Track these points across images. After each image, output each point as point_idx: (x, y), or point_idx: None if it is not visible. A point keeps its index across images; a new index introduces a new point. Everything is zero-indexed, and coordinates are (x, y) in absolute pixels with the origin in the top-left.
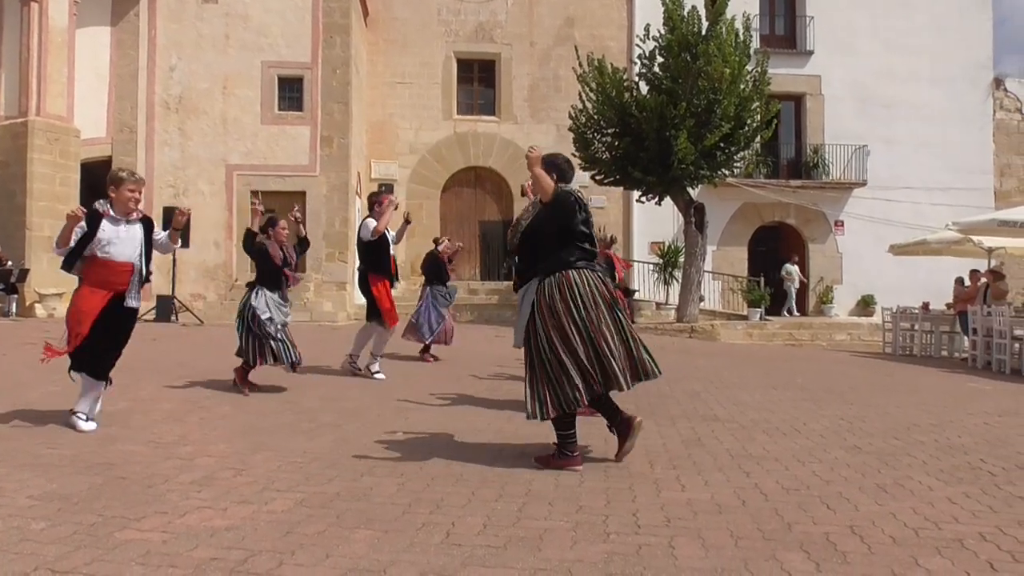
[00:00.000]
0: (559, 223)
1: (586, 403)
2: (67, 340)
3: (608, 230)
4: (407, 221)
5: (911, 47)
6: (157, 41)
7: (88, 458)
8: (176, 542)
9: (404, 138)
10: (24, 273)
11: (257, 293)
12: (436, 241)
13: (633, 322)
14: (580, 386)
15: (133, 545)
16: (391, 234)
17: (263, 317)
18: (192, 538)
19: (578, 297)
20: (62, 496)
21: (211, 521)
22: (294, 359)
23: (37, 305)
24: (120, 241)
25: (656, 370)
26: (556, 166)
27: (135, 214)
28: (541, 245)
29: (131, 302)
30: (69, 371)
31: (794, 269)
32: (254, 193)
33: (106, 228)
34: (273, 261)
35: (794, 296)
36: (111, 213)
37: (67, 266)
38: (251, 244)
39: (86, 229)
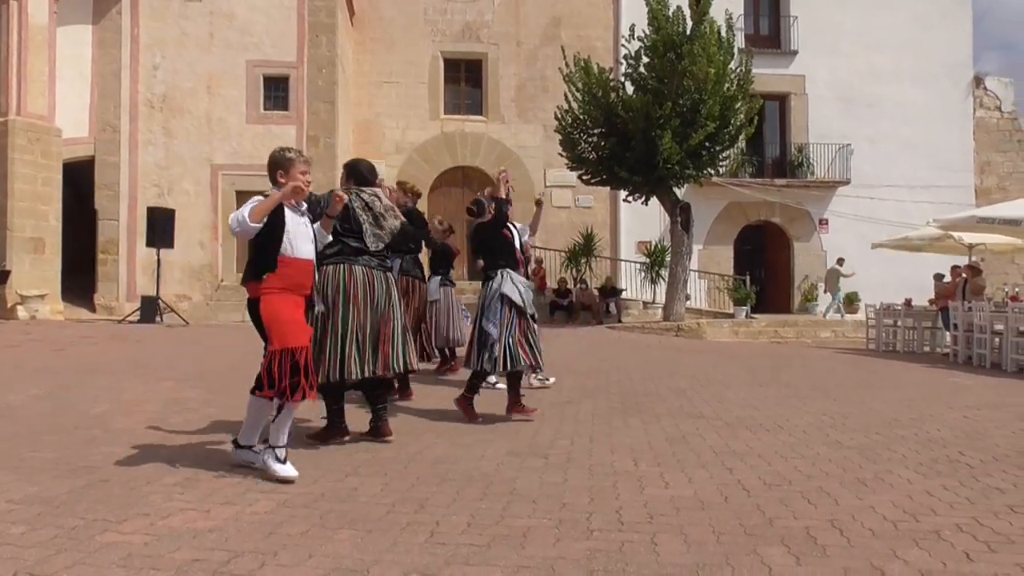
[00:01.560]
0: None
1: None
2: (288, 365)
3: (595, 230)
4: (538, 203)
5: (893, 47)
6: (140, 40)
7: (70, 461)
8: (158, 544)
9: (391, 138)
10: (5, 275)
11: (503, 277)
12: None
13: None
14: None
15: (115, 548)
16: (519, 226)
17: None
18: (175, 540)
19: (324, 289)
20: (43, 499)
21: (194, 523)
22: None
23: (19, 307)
24: (300, 234)
25: (372, 370)
26: (355, 171)
27: (304, 203)
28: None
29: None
30: (282, 402)
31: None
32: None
33: (289, 218)
34: (505, 238)
35: (840, 298)
36: (292, 201)
37: (265, 267)
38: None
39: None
